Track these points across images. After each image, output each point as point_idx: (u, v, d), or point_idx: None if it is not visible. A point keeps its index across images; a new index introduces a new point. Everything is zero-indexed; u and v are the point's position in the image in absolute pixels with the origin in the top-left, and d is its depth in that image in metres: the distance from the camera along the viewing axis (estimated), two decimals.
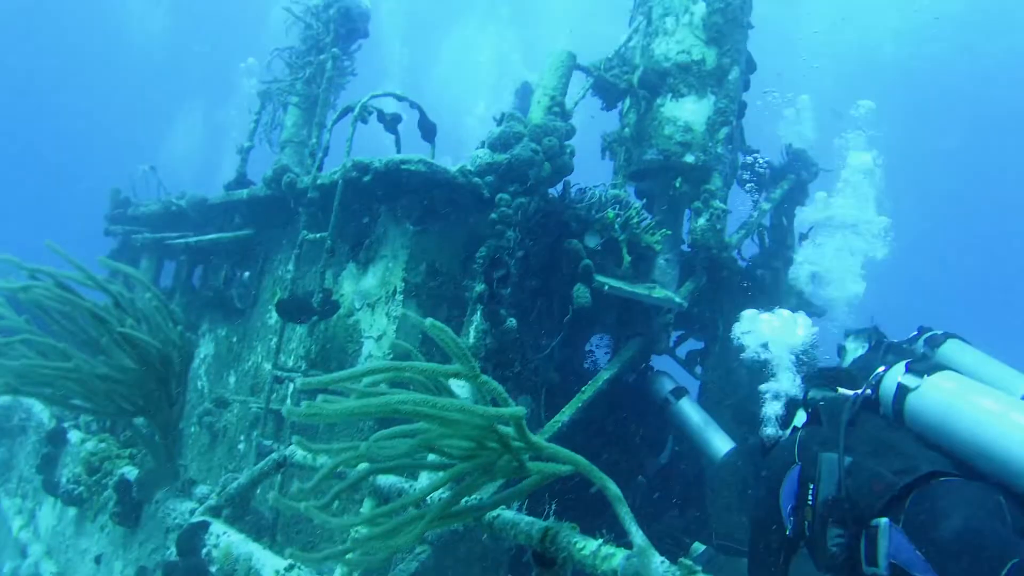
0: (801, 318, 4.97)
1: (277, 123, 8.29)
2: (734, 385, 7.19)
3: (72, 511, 6.51)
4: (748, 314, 5.13)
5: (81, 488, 6.39)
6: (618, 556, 2.48)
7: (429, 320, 2.56)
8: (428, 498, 2.99)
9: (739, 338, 5.04)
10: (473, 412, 2.57)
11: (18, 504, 7.80)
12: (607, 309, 6.54)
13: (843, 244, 7.68)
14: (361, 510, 4.06)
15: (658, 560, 2.37)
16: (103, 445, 6.78)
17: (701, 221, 6.81)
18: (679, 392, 6.73)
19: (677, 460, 7.12)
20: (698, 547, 6.24)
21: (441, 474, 2.85)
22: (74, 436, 6.96)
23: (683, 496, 6.90)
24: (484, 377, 2.69)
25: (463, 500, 3.03)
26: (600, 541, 2.58)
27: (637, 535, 2.47)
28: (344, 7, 8.05)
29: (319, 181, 5.91)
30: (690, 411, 6.61)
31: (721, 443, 6.29)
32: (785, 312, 5.04)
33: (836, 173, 8.21)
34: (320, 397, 2.63)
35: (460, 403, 2.57)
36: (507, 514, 3.05)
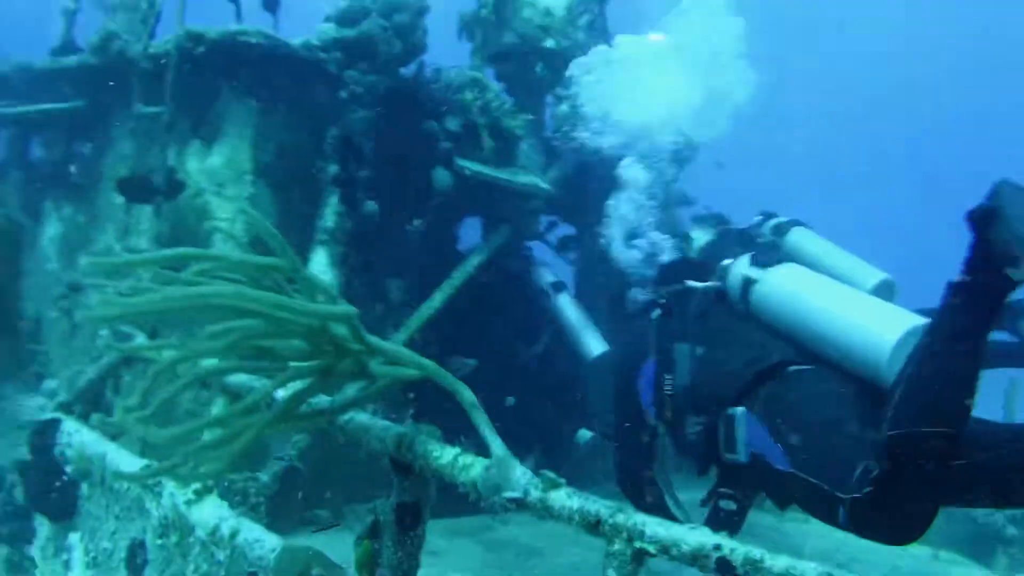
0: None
1: None
2: (606, 273, 7.21)
3: None
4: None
5: None
6: (477, 466, 2.31)
7: (242, 208, 2.39)
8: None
9: None
10: (295, 309, 2.43)
11: None
12: (474, 194, 6.45)
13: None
14: (213, 410, 3.94)
15: (519, 472, 2.22)
16: None
17: (564, 107, 6.67)
18: (558, 286, 6.62)
19: (551, 352, 7.13)
20: (585, 434, 6.41)
21: (279, 375, 2.73)
22: None
23: (559, 385, 6.93)
24: (308, 274, 2.56)
25: (311, 401, 2.92)
26: (458, 451, 2.38)
27: (495, 444, 2.31)
28: None
29: (151, 50, 5.44)
30: (568, 308, 6.49)
31: (596, 344, 6.21)
32: None
33: None
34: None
35: (280, 299, 2.40)
36: (360, 417, 2.90)
